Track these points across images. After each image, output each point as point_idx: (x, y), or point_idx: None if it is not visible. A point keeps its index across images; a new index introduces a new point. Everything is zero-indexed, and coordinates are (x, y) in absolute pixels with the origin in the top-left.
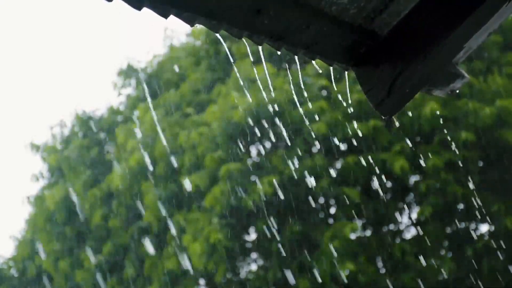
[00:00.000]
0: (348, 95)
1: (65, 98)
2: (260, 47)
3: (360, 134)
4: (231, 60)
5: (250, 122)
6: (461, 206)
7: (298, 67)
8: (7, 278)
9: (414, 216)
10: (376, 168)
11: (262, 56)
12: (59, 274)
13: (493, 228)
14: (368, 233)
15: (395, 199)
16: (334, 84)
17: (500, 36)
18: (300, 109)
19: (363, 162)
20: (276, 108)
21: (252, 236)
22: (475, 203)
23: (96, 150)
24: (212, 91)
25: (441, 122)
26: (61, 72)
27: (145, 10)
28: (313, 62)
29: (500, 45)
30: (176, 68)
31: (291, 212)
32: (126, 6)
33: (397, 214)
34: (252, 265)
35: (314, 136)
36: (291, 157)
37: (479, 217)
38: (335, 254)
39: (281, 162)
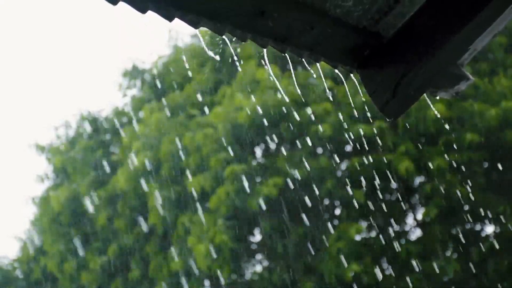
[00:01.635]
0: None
1: (69, 98)
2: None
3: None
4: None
5: (255, 123)
6: (466, 207)
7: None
8: (13, 279)
9: (419, 217)
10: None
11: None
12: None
13: (498, 229)
14: (373, 234)
15: (400, 200)
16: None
17: (505, 37)
18: (305, 110)
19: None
20: (281, 110)
21: (257, 237)
22: (480, 205)
23: (101, 151)
24: (217, 92)
25: (446, 123)
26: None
27: (150, 13)
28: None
29: (505, 47)
30: (181, 70)
31: (296, 213)
32: (131, 9)
33: (402, 215)
34: (257, 266)
35: (319, 138)
36: (296, 158)
37: (484, 218)
38: (340, 255)
39: (286, 164)
